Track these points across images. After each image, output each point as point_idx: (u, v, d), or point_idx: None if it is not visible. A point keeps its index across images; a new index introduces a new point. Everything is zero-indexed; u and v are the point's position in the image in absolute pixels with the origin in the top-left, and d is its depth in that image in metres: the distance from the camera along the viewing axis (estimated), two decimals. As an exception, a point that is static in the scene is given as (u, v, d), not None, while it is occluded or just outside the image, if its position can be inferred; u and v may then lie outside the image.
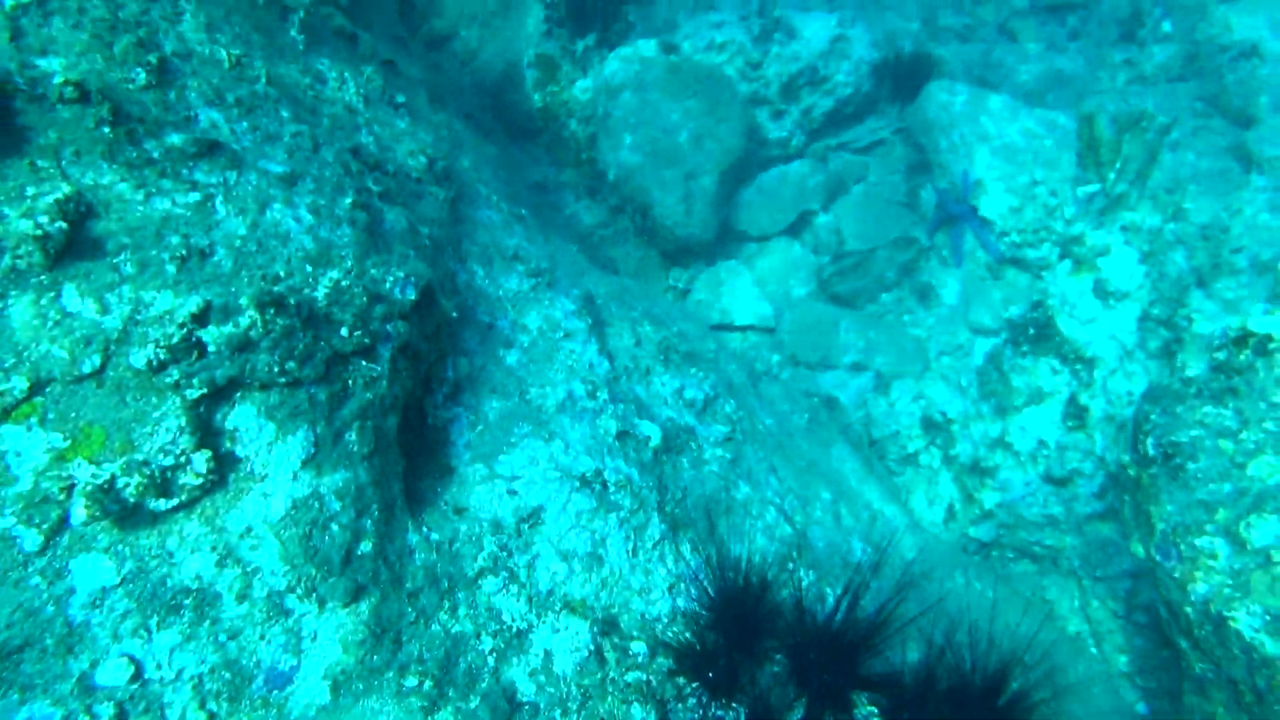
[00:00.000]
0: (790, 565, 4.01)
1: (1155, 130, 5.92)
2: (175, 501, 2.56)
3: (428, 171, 3.86)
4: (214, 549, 2.63)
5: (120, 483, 2.45)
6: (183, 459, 2.56)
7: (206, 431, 2.63)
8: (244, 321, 2.67)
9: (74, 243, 2.54)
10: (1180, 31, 8.60)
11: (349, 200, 3.11)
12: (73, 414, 2.50)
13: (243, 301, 2.68)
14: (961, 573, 4.85)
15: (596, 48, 6.47)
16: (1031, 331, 5.31)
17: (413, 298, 3.15)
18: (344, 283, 2.94)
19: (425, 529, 3.20)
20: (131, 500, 2.47)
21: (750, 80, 6.77)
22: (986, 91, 7.13)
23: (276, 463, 2.76)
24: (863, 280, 6.35)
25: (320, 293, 2.88)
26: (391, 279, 3.11)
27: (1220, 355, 3.17)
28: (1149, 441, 3.04)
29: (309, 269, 2.90)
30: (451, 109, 5.05)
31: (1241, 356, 3.12)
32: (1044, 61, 8.34)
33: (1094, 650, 5.11)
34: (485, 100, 6.59)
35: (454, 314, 3.39)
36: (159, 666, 2.49)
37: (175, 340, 2.56)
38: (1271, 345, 3.12)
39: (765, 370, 6.06)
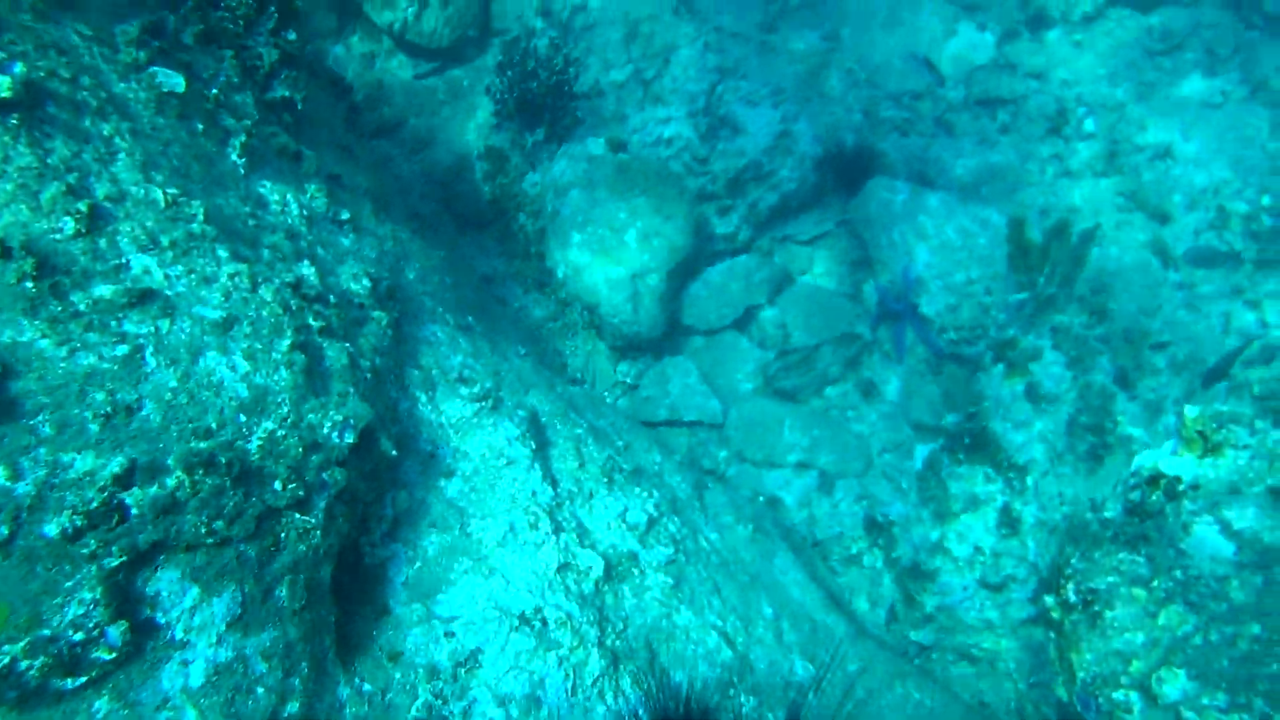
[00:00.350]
0: (732, 691, 3.97)
1: (1080, 236, 6.21)
2: (85, 679, 2.43)
3: (371, 294, 3.82)
4: (126, 724, 2.50)
5: (22, 665, 2.32)
6: (96, 633, 2.43)
7: (125, 600, 2.52)
8: (170, 483, 2.58)
9: (-12, 406, 2.44)
10: (1101, 130, 9.10)
11: (287, 342, 3.05)
12: (-23, 589, 2.36)
13: (170, 461, 2.60)
14: (902, 683, 4.86)
15: (545, 142, 6.54)
16: (967, 440, 5.46)
17: (351, 441, 3.08)
18: (279, 433, 2.87)
19: (357, 680, 3.09)
20: (34, 683, 2.33)
21: (698, 175, 6.92)
22: (925, 189, 7.40)
23: (200, 627, 2.64)
24: (807, 376, 6.46)
25: (254, 445, 2.80)
26: (329, 424, 3.04)
27: (1134, 496, 3.27)
28: (1070, 587, 3.12)
29: (242, 419, 2.83)
30: (398, 212, 5.03)
31: (1154, 498, 3.23)
32: (978, 156, 8.71)
33: (1032, 755, 5.15)
34: (434, 189, 6.59)
35: (394, 452, 3.33)
36: None
37: (94, 505, 2.46)
38: (1180, 488, 3.23)
39: (712, 467, 6.08)
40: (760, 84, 7.95)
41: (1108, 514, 3.29)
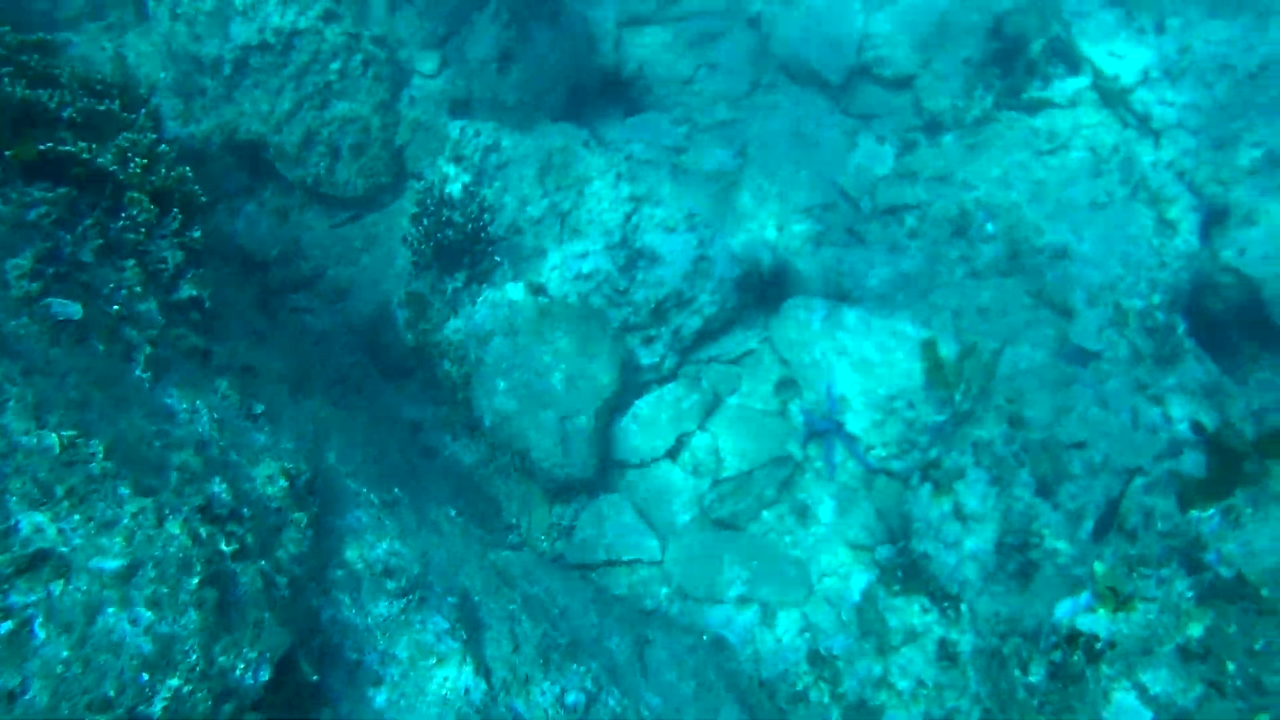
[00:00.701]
0: None
1: (990, 353, 6.48)
2: None
3: (289, 494, 3.71)
4: None
5: None
6: None
7: None
8: (61, 776, 2.41)
9: None
10: (1001, 231, 9.62)
11: (196, 580, 2.92)
12: None
13: (60, 751, 2.43)
14: (861, 833, 4.77)
15: (465, 286, 6.58)
16: (900, 574, 5.53)
17: (266, 678, 2.94)
18: (185, 689, 2.72)
19: None
20: None
21: (620, 307, 7.02)
22: (841, 305, 7.65)
23: None
24: (743, 502, 6.49)
25: (157, 708, 2.64)
26: (243, 664, 2.90)
27: (1055, 656, 3.34)
28: (1008, 766, 3.16)
29: (145, 679, 2.67)
30: (318, 383, 4.96)
31: (1074, 658, 3.31)
32: (890, 265, 9.08)
33: None
34: (356, 339, 6.54)
35: (314, 676, 3.19)
36: None
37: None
38: (1097, 646, 3.32)
39: (654, 607, 5.99)
40: (675, 209, 8.20)
41: (1032, 678, 3.34)
